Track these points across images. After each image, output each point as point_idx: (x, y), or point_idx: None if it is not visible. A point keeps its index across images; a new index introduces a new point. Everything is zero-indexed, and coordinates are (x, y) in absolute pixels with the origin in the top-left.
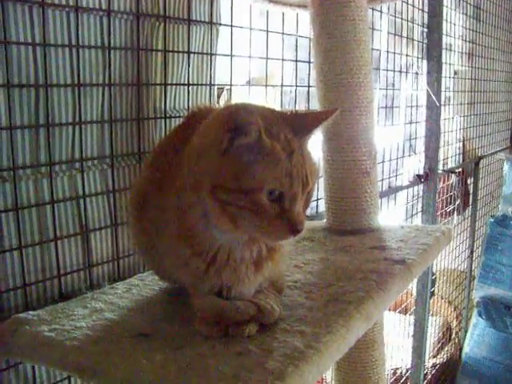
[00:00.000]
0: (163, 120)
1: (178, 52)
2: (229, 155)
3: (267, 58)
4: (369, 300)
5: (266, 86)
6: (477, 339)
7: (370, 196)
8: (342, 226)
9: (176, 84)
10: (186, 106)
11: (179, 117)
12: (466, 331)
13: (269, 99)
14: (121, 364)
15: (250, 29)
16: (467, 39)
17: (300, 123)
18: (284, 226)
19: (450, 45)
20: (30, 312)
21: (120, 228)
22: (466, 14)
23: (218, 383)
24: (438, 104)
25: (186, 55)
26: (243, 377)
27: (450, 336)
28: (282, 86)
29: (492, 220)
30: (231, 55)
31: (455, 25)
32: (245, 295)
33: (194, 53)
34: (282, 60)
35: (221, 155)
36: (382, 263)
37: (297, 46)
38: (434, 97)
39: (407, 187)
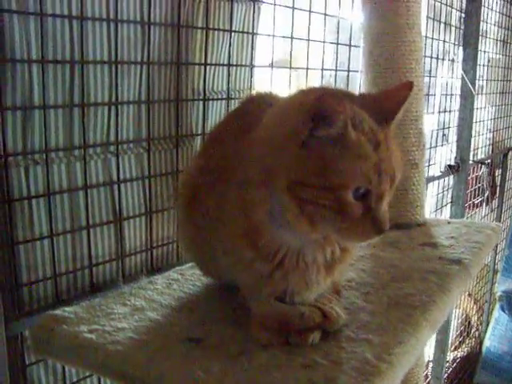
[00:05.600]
0: (201, 102)
1: (219, 30)
2: (309, 148)
3: (309, 40)
4: (433, 305)
5: (307, 69)
6: (498, 334)
7: (417, 189)
8: None
9: (216, 64)
10: (226, 88)
11: (218, 99)
12: (487, 325)
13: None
14: (173, 375)
15: (293, 8)
16: (503, 25)
17: (380, 108)
18: (369, 226)
19: (486, 31)
20: (66, 308)
21: (155, 216)
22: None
23: None
24: (473, 93)
25: (227, 34)
26: None
27: (470, 329)
28: (322, 69)
29: None
30: (273, 35)
31: (492, 10)
32: (307, 300)
33: (236, 31)
34: (324, 42)
35: (299, 147)
36: (437, 262)
37: (338, 28)
38: (470, 85)
39: (439, 178)
